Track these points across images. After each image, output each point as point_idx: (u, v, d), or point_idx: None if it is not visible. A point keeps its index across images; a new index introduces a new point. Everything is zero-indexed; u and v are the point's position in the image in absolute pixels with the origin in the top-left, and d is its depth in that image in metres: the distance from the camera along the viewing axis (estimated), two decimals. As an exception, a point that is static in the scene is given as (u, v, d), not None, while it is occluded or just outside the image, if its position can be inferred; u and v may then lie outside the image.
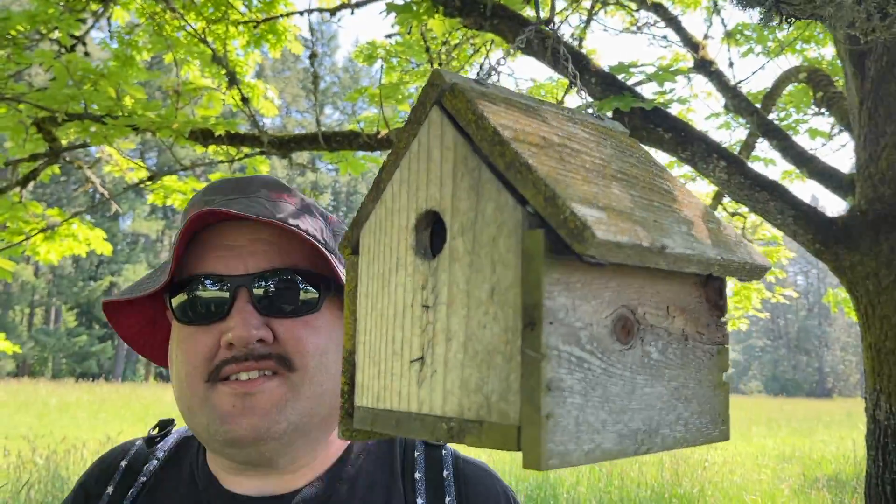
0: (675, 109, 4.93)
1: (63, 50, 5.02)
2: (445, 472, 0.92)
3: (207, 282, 0.82)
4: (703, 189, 6.45)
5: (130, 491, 0.90)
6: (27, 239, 3.94)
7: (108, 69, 4.26)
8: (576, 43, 5.23)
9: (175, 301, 0.83)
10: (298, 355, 0.82)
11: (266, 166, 4.56)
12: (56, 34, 5.06)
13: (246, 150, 3.83)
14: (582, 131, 0.52)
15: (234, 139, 3.65)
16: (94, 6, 5.21)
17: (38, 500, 6.13)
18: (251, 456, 0.81)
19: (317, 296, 0.85)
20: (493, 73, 0.55)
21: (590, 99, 3.13)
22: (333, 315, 0.88)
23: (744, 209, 6.15)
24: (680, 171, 5.93)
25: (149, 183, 4.62)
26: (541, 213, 0.40)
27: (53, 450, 7.95)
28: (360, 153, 4.11)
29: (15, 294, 40.09)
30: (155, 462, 0.93)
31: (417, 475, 0.91)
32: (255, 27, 5.73)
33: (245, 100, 3.43)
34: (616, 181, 0.46)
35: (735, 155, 3.20)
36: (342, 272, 0.85)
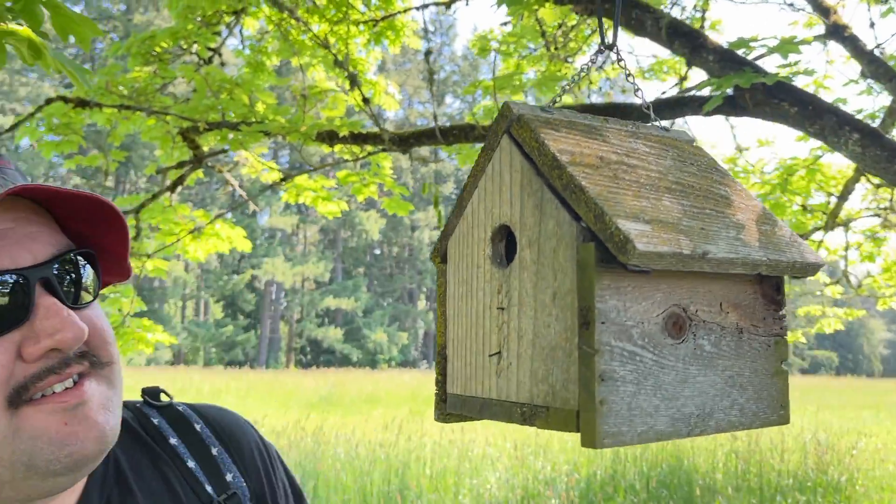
0: (802, 81, 4.68)
1: (202, 62, 5.43)
2: (198, 426, 0.85)
3: None
4: (842, 162, 6.07)
5: None
6: (178, 241, 4.33)
7: (242, 77, 4.57)
8: (699, 14, 5.06)
9: None
10: (106, 347, 0.71)
11: (388, 161, 4.75)
12: (195, 48, 5.47)
13: (369, 147, 4.02)
14: (643, 145, 0.57)
15: (358, 138, 3.84)
16: (226, 18, 5.58)
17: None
18: (77, 479, 0.68)
19: (97, 278, 0.73)
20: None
21: (706, 72, 3.06)
22: None
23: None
24: (808, 146, 5.61)
25: (282, 183, 4.94)
26: (592, 228, 0.46)
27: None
28: (478, 145, 4.20)
29: (169, 289, 43.39)
30: None
31: (173, 441, 0.82)
32: (374, 26, 5.93)
33: (366, 100, 3.60)
34: (669, 193, 0.51)
35: (871, 126, 3.02)
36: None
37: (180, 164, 4.62)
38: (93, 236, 0.73)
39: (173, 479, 0.79)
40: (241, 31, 6.18)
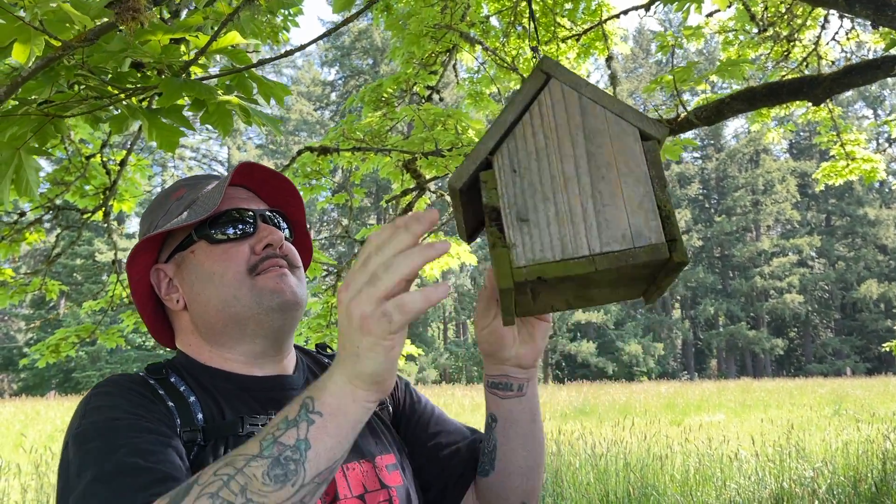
0: None
1: (421, 100, 6.08)
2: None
3: (241, 213, 1.16)
4: None
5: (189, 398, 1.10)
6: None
7: (450, 110, 5.09)
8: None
9: (213, 227, 1.14)
10: (295, 259, 1.19)
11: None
12: (415, 88, 6.16)
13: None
14: None
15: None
16: (440, 58, 6.18)
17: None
18: (286, 322, 1.14)
19: (289, 227, 1.24)
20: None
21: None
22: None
23: None
24: None
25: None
26: (644, 130, 0.82)
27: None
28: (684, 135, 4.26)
29: (430, 313, 46.49)
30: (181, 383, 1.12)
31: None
32: (577, 39, 6.21)
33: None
34: None
35: None
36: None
37: (405, 192, 5.23)
38: (282, 206, 1.27)
39: None
40: (454, 67, 6.80)
